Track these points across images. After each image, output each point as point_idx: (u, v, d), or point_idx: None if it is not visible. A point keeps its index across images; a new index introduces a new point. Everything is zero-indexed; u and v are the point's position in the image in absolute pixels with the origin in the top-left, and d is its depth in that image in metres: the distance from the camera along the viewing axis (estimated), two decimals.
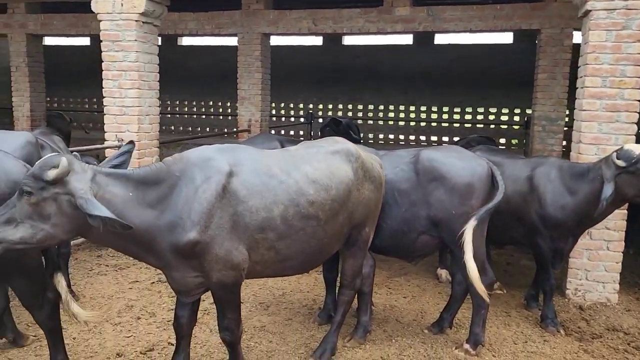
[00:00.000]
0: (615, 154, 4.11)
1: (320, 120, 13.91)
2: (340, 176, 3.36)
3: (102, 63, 6.28)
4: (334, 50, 15.58)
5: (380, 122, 15.49)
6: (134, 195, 2.84)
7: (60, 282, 3.19)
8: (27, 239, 2.67)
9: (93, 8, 6.17)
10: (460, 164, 4.09)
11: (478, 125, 14.71)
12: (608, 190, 4.03)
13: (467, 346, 4.14)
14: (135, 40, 6.12)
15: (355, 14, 9.18)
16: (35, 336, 4.12)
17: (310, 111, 15.14)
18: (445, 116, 15.00)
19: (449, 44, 14.65)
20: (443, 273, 5.84)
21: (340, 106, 15.81)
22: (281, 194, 3.10)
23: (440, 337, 4.44)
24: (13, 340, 3.98)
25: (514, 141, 14.42)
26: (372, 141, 15.44)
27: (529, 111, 10.21)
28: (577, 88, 5.19)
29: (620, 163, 4.04)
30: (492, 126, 14.57)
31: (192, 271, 3.05)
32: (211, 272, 3.03)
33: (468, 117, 14.81)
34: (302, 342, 4.26)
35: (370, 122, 15.54)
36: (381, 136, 15.54)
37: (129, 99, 6.23)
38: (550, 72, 8.44)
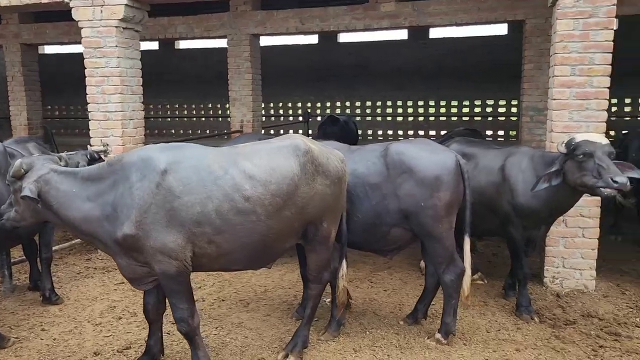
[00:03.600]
0: (561, 141, 4.16)
1: (319, 118, 13.99)
2: (282, 171, 3.44)
3: (85, 70, 6.41)
4: (329, 48, 15.63)
5: (378, 118, 15.53)
6: (77, 191, 3.30)
7: None
8: (12, 218, 3.48)
9: (74, 16, 6.30)
10: (429, 156, 4.15)
11: (476, 118, 14.70)
12: (549, 175, 4.13)
13: (438, 336, 4.21)
14: (117, 46, 6.24)
15: (342, 12, 9.24)
16: (17, 338, 4.26)
17: (308, 110, 15.23)
18: (442, 110, 15.00)
19: (444, 38, 14.63)
20: None
21: (338, 104, 15.87)
22: (216, 190, 3.25)
23: (415, 328, 4.50)
24: None
25: (512, 132, 14.38)
26: (370, 137, 15.49)
27: None
28: (549, 77, 5.22)
29: (563, 149, 4.09)
30: (490, 118, 14.56)
31: (135, 261, 3.35)
32: (152, 263, 3.29)
33: (465, 110, 14.81)
34: (277, 337, 4.35)
35: (368, 118, 15.59)
36: (380, 132, 15.58)
37: (112, 104, 6.35)
38: (536, 63, 8.45)
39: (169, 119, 16.88)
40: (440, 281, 4.24)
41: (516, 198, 4.54)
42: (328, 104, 15.96)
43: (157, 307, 3.70)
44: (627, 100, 13.74)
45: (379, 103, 15.43)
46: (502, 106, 14.51)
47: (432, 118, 15.03)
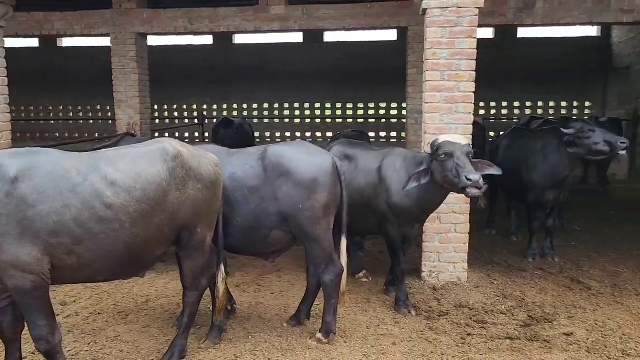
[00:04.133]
0: (427, 142, 4.42)
1: (215, 120, 13.74)
2: (148, 177, 3.32)
3: None
4: (224, 49, 15.42)
5: (276, 120, 15.57)
6: None
7: None
8: None
9: None
10: (306, 159, 4.19)
11: (370, 120, 15.21)
12: (418, 174, 4.37)
13: (319, 335, 4.27)
14: None
15: (232, 13, 9.14)
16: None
17: (204, 112, 14.91)
18: (339, 112, 15.36)
19: (339, 42, 15.00)
20: None
21: (235, 106, 15.72)
22: (74, 198, 3.07)
23: (298, 329, 4.54)
24: None
25: (403, 134, 15.03)
26: (269, 139, 15.49)
27: None
28: (423, 82, 5.50)
29: (428, 150, 4.36)
30: (383, 120, 15.12)
31: None
32: (4, 278, 3.03)
33: (361, 112, 15.27)
34: (155, 349, 4.19)
35: (266, 120, 15.58)
36: (278, 134, 15.63)
37: None
38: (418, 68, 8.81)
39: (52, 122, 15.76)
40: (320, 281, 4.31)
41: (391, 197, 4.73)
42: (225, 106, 15.75)
43: (13, 326, 3.39)
44: (504, 104, 14.92)
45: (277, 105, 15.48)
46: (394, 109, 15.14)
47: (329, 120, 15.33)
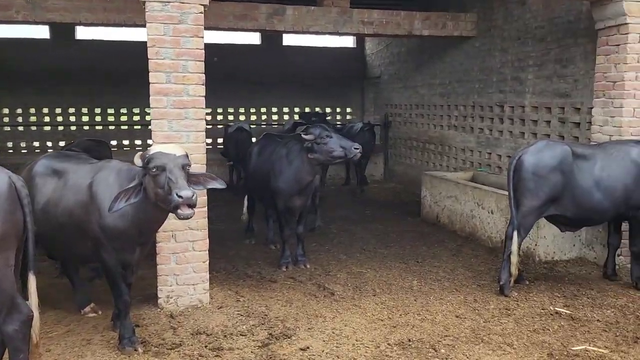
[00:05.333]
0: (138, 154, 3.86)
1: None
2: None
3: None
4: None
5: (20, 128, 13.32)
6: None
7: None
8: None
9: None
10: None
11: (136, 127, 13.98)
12: (128, 191, 3.79)
13: None
14: None
15: None
16: None
17: None
18: (98, 118, 13.79)
19: (94, 40, 13.44)
20: None
21: None
22: None
23: None
24: None
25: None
26: (12, 150, 13.17)
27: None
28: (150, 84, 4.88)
29: (138, 162, 3.81)
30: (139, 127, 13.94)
31: None
32: None
33: (124, 118, 13.94)
34: None
35: (7, 128, 13.21)
36: (23, 144, 13.34)
37: None
38: None
39: None
40: (2, 333, 3.38)
41: (104, 218, 4.00)
42: None
43: None
44: (274, 109, 15.13)
45: (19, 110, 13.23)
46: (136, 114, 14.09)
47: (87, 127, 13.66)
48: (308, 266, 6.40)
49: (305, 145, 5.79)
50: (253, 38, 14.69)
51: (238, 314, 4.94)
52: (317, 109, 15.46)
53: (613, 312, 4.94)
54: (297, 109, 15.17)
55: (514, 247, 5.25)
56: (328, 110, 15.52)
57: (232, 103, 14.66)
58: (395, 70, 13.43)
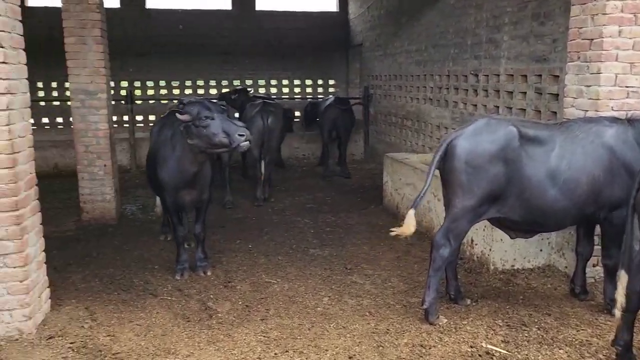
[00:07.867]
0: None
1: None
2: None
3: None
4: None
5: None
6: None
7: None
8: None
9: None
10: None
11: (56, 102, 12.72)
12: None
13: None
14: None
15: None
16: None
17: None
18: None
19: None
20: None
21: None
22: None
23: None
24: None
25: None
26: None
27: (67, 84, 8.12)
28: None
29: None
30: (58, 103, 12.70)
31: None
32: None
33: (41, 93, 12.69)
34: None
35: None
36: None
37: None
38: (78, 36, 7.01)
39: None
40: None
41: None
42: None
43: None
44: (248, 82, 13.79)
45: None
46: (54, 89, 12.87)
47: None
48: (209, 273, 5.23)
49: (182, 127, 4.54)
50: (223, 2, 13.34)
51: (69, 348, 3.79)
52: (297, 81, 14.11)
53: (567, 354, 3.63)
54: (273, 82, 13.86)
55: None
56: (308, 82, 14.15)
57: (202, 76, 13.44)
58: (375, 35, 11.94)
